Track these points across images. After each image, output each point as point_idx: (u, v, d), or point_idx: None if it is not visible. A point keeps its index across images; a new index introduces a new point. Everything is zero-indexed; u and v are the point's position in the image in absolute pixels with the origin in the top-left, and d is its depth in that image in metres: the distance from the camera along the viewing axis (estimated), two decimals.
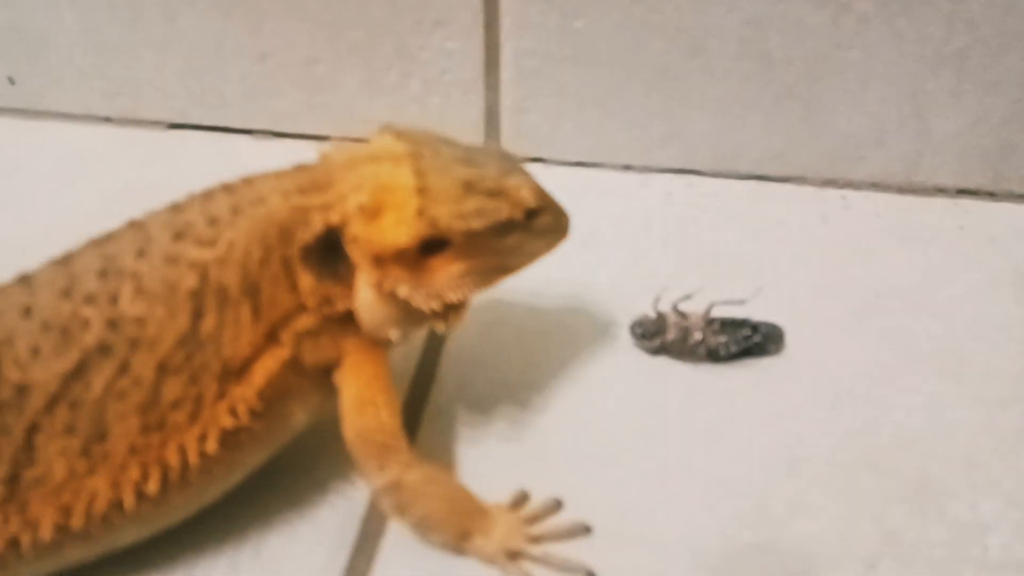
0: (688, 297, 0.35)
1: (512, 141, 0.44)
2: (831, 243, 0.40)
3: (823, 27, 0.39)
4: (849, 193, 0.43)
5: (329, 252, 0.26)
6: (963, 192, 0.42)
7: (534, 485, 0.30)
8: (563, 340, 0.35)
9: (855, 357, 0.34)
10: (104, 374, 0.24)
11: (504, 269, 0.28)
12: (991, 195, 0.42)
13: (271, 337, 0.26)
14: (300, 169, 0.27)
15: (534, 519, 0.28)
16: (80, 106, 0.47)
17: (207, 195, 0.27)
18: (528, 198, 0.27)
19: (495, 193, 0.26)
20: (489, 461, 0.31)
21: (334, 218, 0.26)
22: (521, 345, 0.35)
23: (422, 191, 0.25)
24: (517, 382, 0.33)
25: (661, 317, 0.34)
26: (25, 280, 0.25)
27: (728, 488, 0.30)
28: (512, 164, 0.28)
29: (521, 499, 0.29)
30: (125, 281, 0.25)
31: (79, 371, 0.24)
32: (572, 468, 0.30)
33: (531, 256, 0.28)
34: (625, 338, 0.35)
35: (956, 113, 0.40)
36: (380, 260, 0.26)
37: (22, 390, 0.24)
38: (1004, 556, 0.28)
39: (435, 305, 0.26)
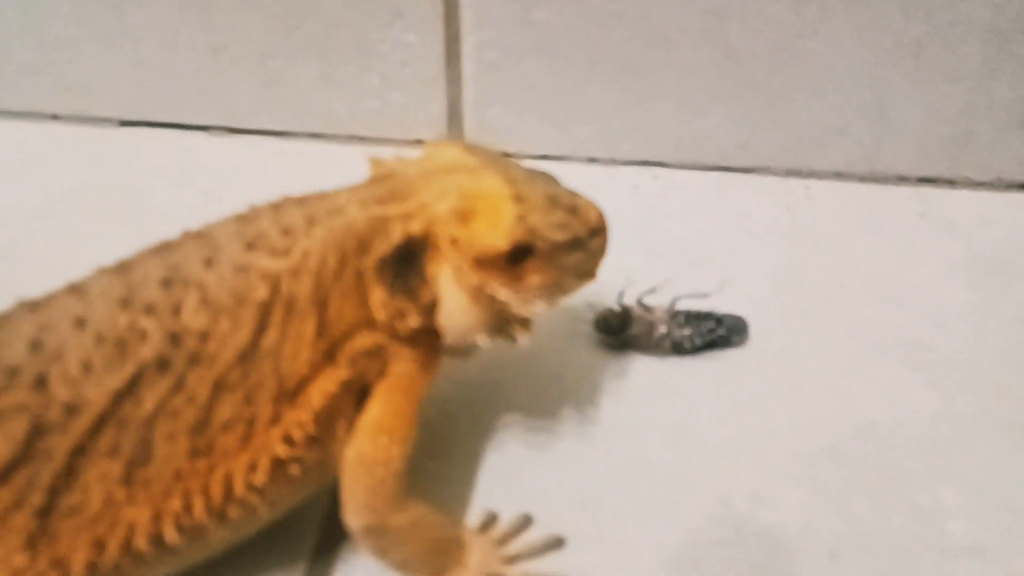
0: (653, 291, 0.35)
1: (475, 135, 0.44)
2: (795, 233, 0.40)
3: (784, 17, 0.39)
4: (812, 183, 0.43)
5: (403, 265, 0.25)
6: (923, 180, 0.43)
7: (498, 483, 0.29)
8: None
9: (818, 347, 0.34)
10: (158, 390, 0.22)
11: (561, 288, 0.27)
12: (950, 183, 0.43)
13: (329, 356, 0.24)
14: (375, 181, 0.27)
15: (506, 539, 0.28)
16: (24, 103, 0.46)
17: (276, 206, 0.25)
18: (595, 218, 0.27)
19: (571, 210, 0.27)
20: (452, 460, 0.30)
21: (415, 227, 0.25)
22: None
23: (519, 199, 0.25)
24: (480, 379, 0.33)
25: (626, 311, 0.34)
26: (76, 289, 0.23)
27: (693, 482, 0.30)
28: (569, 187, 0.28)
29: (490, 520, 0.28)
30: (190, 291, 0.23)
31: (131, 387, 0.22)
32: (536, 465, 0.30)
33: (581, 277, 0.28)
34: (589, 332, 0.35)
35: (915, 102, 0.41)
36: (481, 263, 0.25)
37: (71, 410, 0.22)
38: (964, 541, 0.28)
39: (526, 311, 0.26)
